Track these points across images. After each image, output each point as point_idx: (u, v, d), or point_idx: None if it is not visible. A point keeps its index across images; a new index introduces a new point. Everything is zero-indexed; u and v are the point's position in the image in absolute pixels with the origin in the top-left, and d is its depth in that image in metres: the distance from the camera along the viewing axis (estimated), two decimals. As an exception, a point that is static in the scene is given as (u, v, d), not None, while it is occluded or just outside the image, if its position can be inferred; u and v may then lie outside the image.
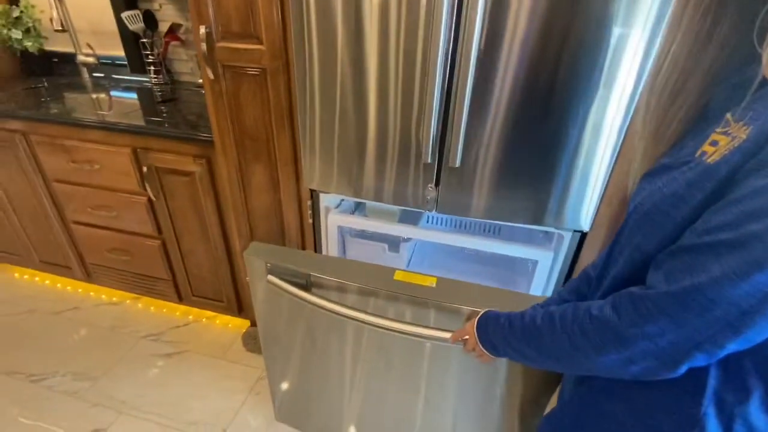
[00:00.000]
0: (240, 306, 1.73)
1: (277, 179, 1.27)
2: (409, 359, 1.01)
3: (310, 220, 1.31)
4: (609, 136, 0.91)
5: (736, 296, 0.38)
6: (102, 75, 2.02)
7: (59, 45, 2.02)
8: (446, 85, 0.92)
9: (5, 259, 2.04)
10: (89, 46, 1.96)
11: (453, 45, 0.87)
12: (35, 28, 1.94)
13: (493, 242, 1.17)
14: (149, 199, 1.53)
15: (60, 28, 1.76)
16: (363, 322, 0.89)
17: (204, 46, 1.10)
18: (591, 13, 0.78)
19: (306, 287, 0.97)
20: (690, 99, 0.48)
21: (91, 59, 1.96)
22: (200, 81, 1.90)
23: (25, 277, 2.11)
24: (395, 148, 1.04)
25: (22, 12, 1.89)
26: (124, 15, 1.77)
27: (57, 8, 1.73)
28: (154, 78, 1.91)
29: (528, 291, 1.23)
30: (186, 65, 1.95)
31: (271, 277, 0.98)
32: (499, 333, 0.67)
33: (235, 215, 1.39)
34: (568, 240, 1.10)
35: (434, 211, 1.09)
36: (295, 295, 0.95)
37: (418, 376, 1.03)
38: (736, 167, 0.39)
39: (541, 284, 1.20)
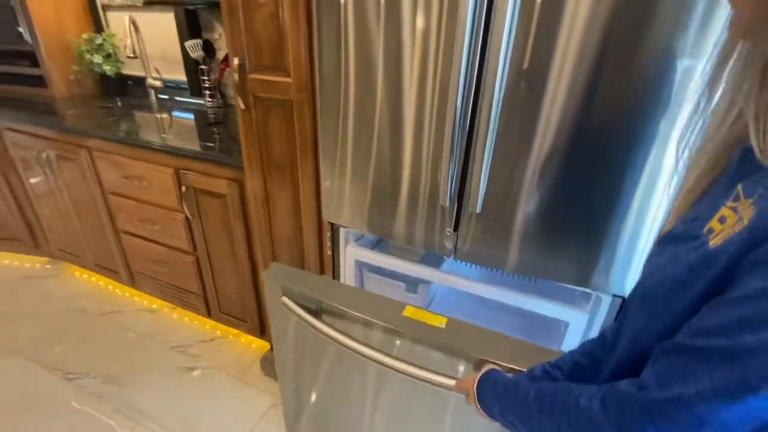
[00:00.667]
0: (262, 328, 1.73)
1: (299, 208, 1.26)
2: (420, 402, 0.92)
3: (329, 252, 1.28)
4: (666, 189, 0.78)
5: (729, 419, 0.33)
6: (166, 97, 2.19)
7: (132, 69, 2.23)
8: (470, 122, 0.85)
9: (68, 258, 2.24)
10: (157, 70, 2.14)
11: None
12: (114, 54, 2.16)
13: (521, 296, 1.06)
14: (186, 217, 1.59)
15: (132, 54, 1.93)
16: (364, 355, 0.84)
17: (237, 76, 1.13)
18: (655, 42, 0.68)
19: (317, 313, 0.94)
20: (705, 161, 0.43)
21: (157, 82, 2.13)
22: (249, 105, 1.99)
23: (84, 276, 2.30)
24: (411, 186, 0.99)
25: (104, 40, 2.12)
26: (188, 44, 1.91)
27: (132, 37, 1.91)
28: (209, 101, 2.03)
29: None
30: (238, 90, 2.05)
31: (285, 299, 0.96)
32: (495, 399, 0.62)
33: (259, 239, 1.40)
34: (607, 304, 0.97)
35: (453, 257, 1.01)
36: (305, 320, 0.91)
37: (428, 419, 0.94)
38: (736, 258, 0.33)
39: (572, 346, 1.06)
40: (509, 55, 0.76)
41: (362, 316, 0.88)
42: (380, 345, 0.87)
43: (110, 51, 2.15)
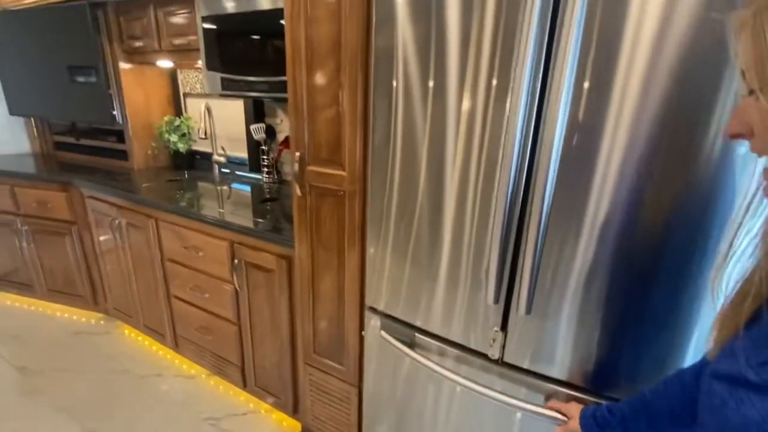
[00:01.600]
0: (295, 406, 1.69)
1: (342, 289, 1.29)
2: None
3: (362, 333, 1.27)
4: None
5: None
6: (228, 171, 2.40)
7: (201, 146, 2.48)
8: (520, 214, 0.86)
9: (121, 317, 2.36)
10: (222, 148, 2.37)
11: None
12: (188, 134, 2.44)
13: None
14: (235, 288, 1.66)
15: (204, 136, 2.17)
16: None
17: (297, 167, 1.24)
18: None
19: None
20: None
21: (222, 159, 2.35)
22: (301, 182, 2.13)
23: (132, 335, 2.40)
24: (456, 276, 0.99)
25: (182, 122, 2.40)
26: (252, 127, 2.13)
27: (205, 121, 2.16)
28: (266, 177, 2.20)
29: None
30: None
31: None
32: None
33: (302, 317, 1.43)
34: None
35: (500, 358, 0.97)
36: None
37: None
38: None
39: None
40: (561, 144, 0.78)
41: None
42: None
43: (185, 131, 2.42)
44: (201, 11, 1.70)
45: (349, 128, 1.11)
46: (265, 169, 2.19)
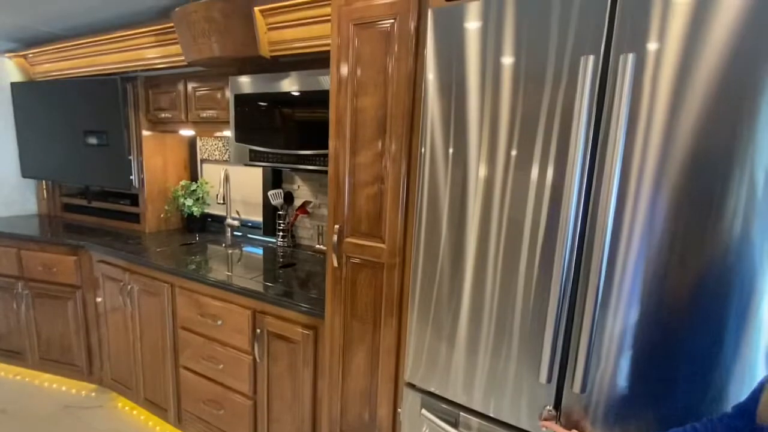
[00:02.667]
0: (313, 491, 1.57)
1: (376, 365, 1.26)
2: None
3: (399, 409, 1.23)
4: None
5: None
6: (240, 234, 2.41)
7: (214, 209, 2.51)
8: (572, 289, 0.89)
9: (118, 389, 2.22)
10: (237, 212, 2.40)
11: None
12: (203, 198, 2.48)
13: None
14: (254, 359, 1.61)
15: (221, 201, 2.21)
16: None
17: (336, 238, 1.26)
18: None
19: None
20: None
21: (236, 222, 2.37)
22: (317, 246, 2.15)
23: (126, 409, 2.24)
24: (501, 352, 0.99)
25: (198, 187, 2.45)
26: (270, 193, 2.18)
27: (223, 187, 2.21)
28: (281, 241, 2.22)
29: None
30: (307, 232, 2.25)
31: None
32: None
33: (329, 392, 1.38)
34: None
35: (552, 439, 0.95)
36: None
37: None
38: None
39: None
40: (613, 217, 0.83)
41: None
42: None
43: (200, 195, 2.46)
44: (233, 90, 1.82)
45: (390, 202, 1.16)
46: (281, 233, 2.22)
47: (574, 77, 0.83)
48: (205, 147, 2.54)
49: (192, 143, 2.57)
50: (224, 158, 2.46)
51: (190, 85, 2.07)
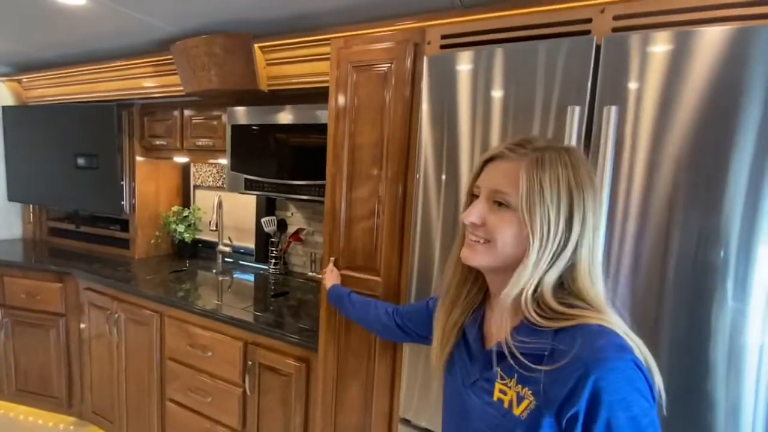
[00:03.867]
0: None
1: (371, 400, 1.26)
2: None
3: (398, 450, 1.22)
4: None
5: None
6: (232, 260, 2.40)
7: (205, 235, 2.50)
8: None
9: (98, 422, 2.14)
10: (229, 238, 2.40)
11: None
12: (195, 225, 2.47)
13: None
14: (244, 392, 1.58)
15: (214, 228, 2.21)
16: None
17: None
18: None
19: None
20: None
21: (227, 249, 2.36)
22: (310, 274, 2.15)
23: (107, 443, 2.15)
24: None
25: (190, 213, 2.45)
26: (264, 220, 2.19)
27: (216, 213, 2.21)
28: (273, 268, 2.21)
29: None
30: (300, 259, 2.25)
31: None
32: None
33: (322, 427, 1.36)
34: None
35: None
36: None
37: None
38: None
39: None
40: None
41: None
42: None
43: (192, 222, 2.46)
44: (231, 120, 1.85)
45: (387, 236, 1.18)
46: (273, 260, 2.21)
47: (561, 123, 0.88)
48: (199, 173, 2.55)
49: (185, 169, 2.58)
50: (218, 184, 2.48)
51: (187, 113, 2.10)
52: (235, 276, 2.20)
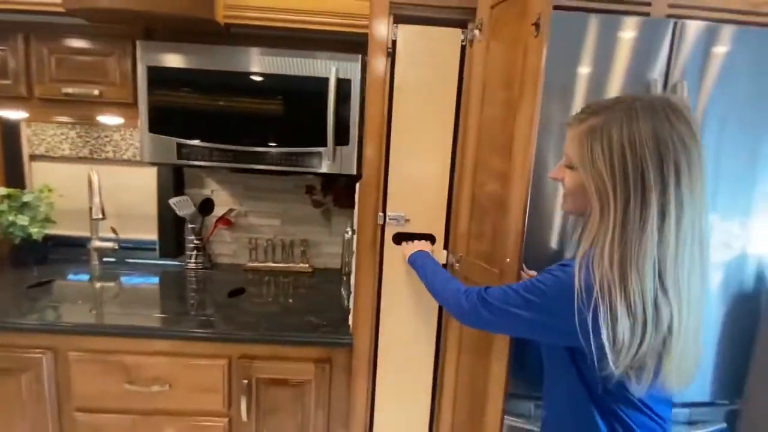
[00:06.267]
0: None
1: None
2: None
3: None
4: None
5: None
6: (114, 260, 1.75)
7: (64, 228, 1.74)
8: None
9: None
10: (113, 230, 1.73)
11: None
12: (47, 215, 1.68)
13: None
14: (230, 421, 1.22)
15: (100, 216, 1.55)
16: None
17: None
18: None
19: None
20: None
21: (109, 244, 1.70)
22: (250, 264, 1.77)
23: None
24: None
25: (35, 197, 1.64)
26: (174, 201, 1.67)
27: (98, 196, 1.55)
28: (193, 263, 1.73)
29: None
30: (228, 247, 1.83)
31: None
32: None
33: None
34: None
35: None
36: None
37: None
38: None
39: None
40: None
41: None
42: None
43: (38, 210, 1.66)
44: (147, 60, 1.30)
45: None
46: (195, 252, 1.73)
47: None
48: (41, 138, 1.72)
49: (11, 132, 1.70)
50: (82, 154, 1.73)
51: (44, 47, 1.36)
52: (136, 280, 1.62)
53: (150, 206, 1.75)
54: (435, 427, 1.25)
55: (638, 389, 0.62)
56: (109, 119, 1.52)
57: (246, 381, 1.20)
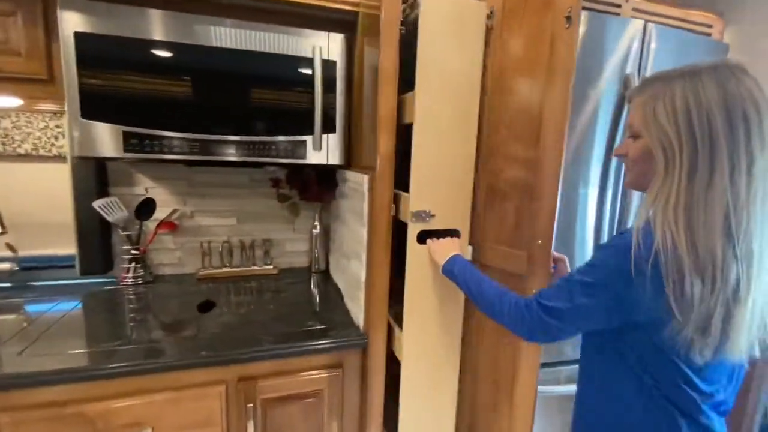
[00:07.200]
0: None
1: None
2: None
3: None
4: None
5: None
6: (10, 285, 1.36)
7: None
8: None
9: None
10: (9, 246, 1.33)
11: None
12: None
13: None
14: (233, 453, 1.06)
15: (2, 229, 1.17)
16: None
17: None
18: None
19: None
20: None
21: (6, 265, 1.31)
22: (202, 272, 1.54)
23: None
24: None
25: None
26: (99, 203, 1.36)
27: (-11, 203, 1.17)
28: (132, 277, 1.44)
29: None
30: (171, 255, 1.56)
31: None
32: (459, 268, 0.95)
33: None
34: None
35: None
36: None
37: None
38: None
39: None
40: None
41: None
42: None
43: None
44: (72, 24, 1.00)
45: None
46: (133, 265, 1.44)
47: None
48: None
49: None
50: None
51: None
52: (53, 307, 1.26)
53: (61, 213, 1.39)
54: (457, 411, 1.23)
55: (700, 357, 0.59)
56: (2, 100, 1.14)
57: (251, 405, 1.05)
